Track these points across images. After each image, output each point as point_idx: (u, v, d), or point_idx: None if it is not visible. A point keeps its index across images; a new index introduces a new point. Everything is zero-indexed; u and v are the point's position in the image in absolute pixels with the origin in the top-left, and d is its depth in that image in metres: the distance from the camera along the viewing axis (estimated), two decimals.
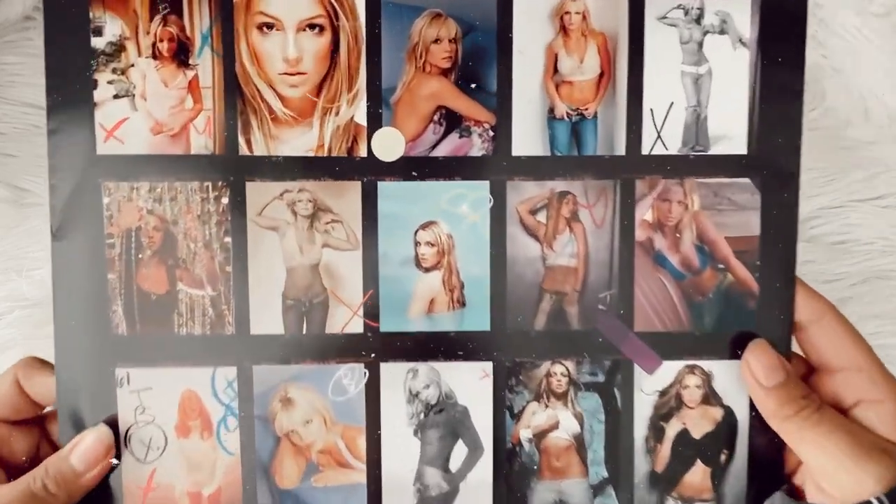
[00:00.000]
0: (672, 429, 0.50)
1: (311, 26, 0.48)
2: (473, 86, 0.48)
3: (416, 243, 0.49)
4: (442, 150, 0.48)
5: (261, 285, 0.49)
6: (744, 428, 0.50)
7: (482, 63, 0.48)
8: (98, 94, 0.48)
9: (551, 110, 0.48)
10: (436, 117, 0.48)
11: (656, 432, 0.50)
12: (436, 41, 0.48)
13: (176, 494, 0.50)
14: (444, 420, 0.50)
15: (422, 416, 0.50)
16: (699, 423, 0.50)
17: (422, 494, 0.50)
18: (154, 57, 0.48)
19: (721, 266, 0.49)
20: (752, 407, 0.50)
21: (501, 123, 0.48)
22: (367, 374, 0.50)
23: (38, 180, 0.60)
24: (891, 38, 0.51)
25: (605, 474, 0.51)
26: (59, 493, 0.45)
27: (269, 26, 0.47)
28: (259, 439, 0.50)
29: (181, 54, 0.48)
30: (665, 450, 0.50)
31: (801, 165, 0.48)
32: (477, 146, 0.48)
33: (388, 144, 0.48)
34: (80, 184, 0.48)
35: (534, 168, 0.48)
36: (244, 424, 0.50)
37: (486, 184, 0.48)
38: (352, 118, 0.48)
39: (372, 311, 0.49)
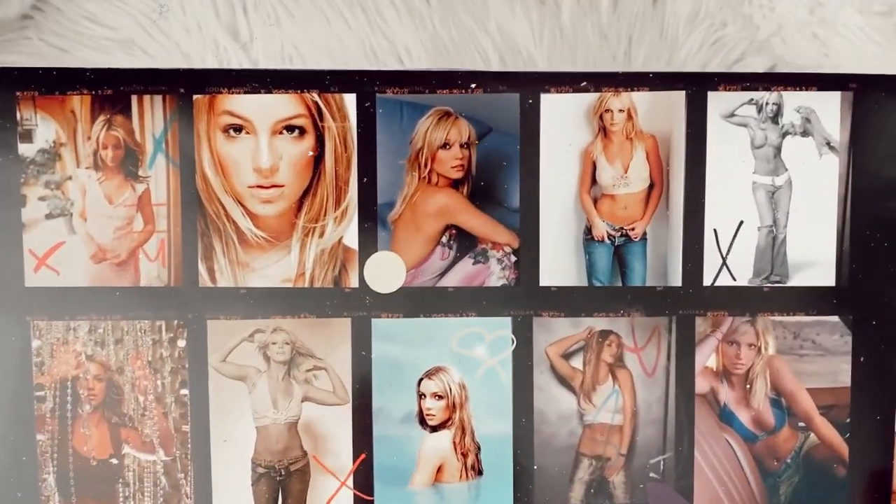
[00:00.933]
0: None
1: (290, 128, 0.38)
2: (491, 200, 0.38)
3: (421, 395, 0.39)
4: (452, 280, 0.39)
5: (225, 449, 0.39)
6: None
7: (502, 173, 0.39)
8: (27, 214, 0.39)
9: (588, 230, 0.39)
10: (444, 239, 0.39)
11: None
12: (444, 146, 0.38)
13: None
14: None
15: None
16: None
17: None
18: (96, 167, 0.39)
19: (802, 424, 0.40)
20: None
21: (526, 246, 0.39)
22: None
23: None
24: (893, 36, 0.44)
25: None
26: None
27: (238, 129, 0.38)
28: None
29: (129, 164, 0.39)
30: None
31: None
32: (496, 274, 0.39)
33: (385, 273, 0.39)
34: (2, 323, 0.38)
35: (567, 301, 0.39)
36: None
37: (507, 321, 0.39)
38: (340, 240, 0.39)
39: (365, 481, 0.39)
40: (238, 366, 0.39)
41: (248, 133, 0.39)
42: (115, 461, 0.40)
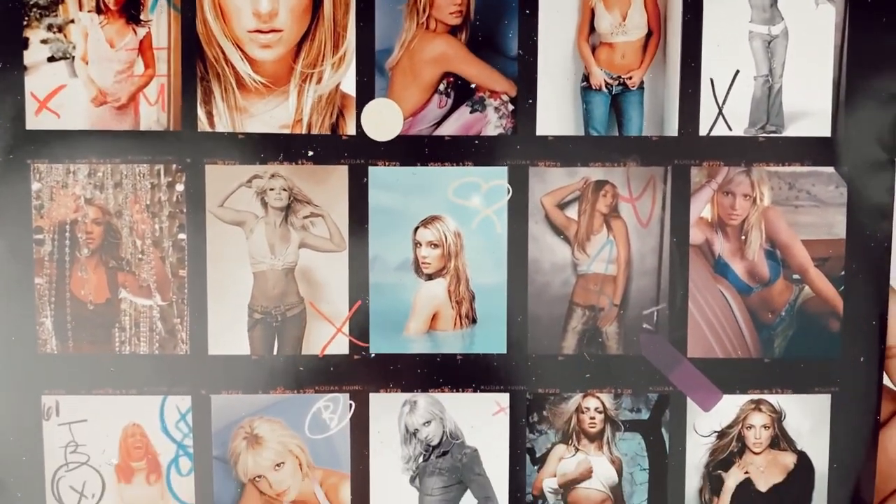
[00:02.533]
0: (732, 479, 0.41)
1: None
2: (489, 48, 0.39)
3: (416, 244, 0.40)
4: (449, 128, 0.39)
5: (222, 294, 0.40)
6: (822, 479, 0.40)
7: (500, 19, 0.39)
8: (29, 56, 0.39)
9: (586, 79, 0.39)
10: (442, 87, 0.39)
11: (713, 483, 0.41)
12: None
13: None
14: (448, 465, 0.41)
15: (420, 459, 0.41)
16: (766, 472, 0.41)
17: None
18: (98, 11, 0.40)
19: (796, 277, 0.40)
20: (834, 452, 0.40)
21: (523, 95, 0.39)
22: (354, 406, 0.40)
23: None
24: None
25: None
26: None
27: None
28: (218, 486, 0.41)
29: (131, 8, 0.40)
30: None
31: None
32: (493, 123, 0.39)
33: (382, 120, 0.39)
34: (3, 165, 0.39)
35: (563, 151, 0.39)
36: (200, 467, 0.40)
37: (503, 170, 0.40)
38: (337, 87, 0.39)
39: (360, 328, 0.40)
40: (236, 211, 0.40)
41: None
42: (111, 305, 0.40)
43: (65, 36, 0.40)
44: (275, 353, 0.40)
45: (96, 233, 0.40)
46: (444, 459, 0.41)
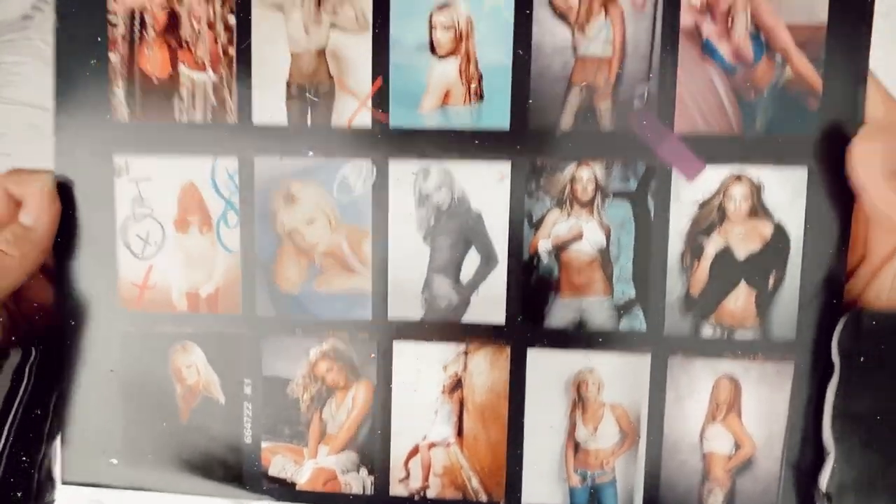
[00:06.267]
0: (712, 246, 0.45)
1: None
2: None
3: (432, 27, 0.45)
4: None
5: (264, 70, 0.46)
6: (797, 248, 0.45)
7: None
8: None
9: None
10: None
11: (694, 249, 0.45)
12: None
13: (173, 295, 0.49)
14: (455, 226, 0.46)
15: (432, 220, 0.46)
16: (744, 240, 0.45)
17: (430, 304, 0.47)
18: None
19: (779, 58, 0.44)
20: (808, 223, 0.44)
21: None
22: (376, 171, 0.46)
23: None
24: (893, 36, 0.45)
25: (633, 294, 0.46)
26: (15, 251, 0.46)
27: None
28: (260, 237, 0.48)
29: None
30: (703, 269, 0.45)
31: None
32: None
33: None
34: None
35: None
36: (245, 221, 0.47)
37: None
38: None
39: (381, 103, 0.46)
40: None
41: None
42: (172, 80, 0.47)
43: None
44: (308, 124, 0.47)
45: (161, 17, 0.47)
46: (453, 221, 0.47)
